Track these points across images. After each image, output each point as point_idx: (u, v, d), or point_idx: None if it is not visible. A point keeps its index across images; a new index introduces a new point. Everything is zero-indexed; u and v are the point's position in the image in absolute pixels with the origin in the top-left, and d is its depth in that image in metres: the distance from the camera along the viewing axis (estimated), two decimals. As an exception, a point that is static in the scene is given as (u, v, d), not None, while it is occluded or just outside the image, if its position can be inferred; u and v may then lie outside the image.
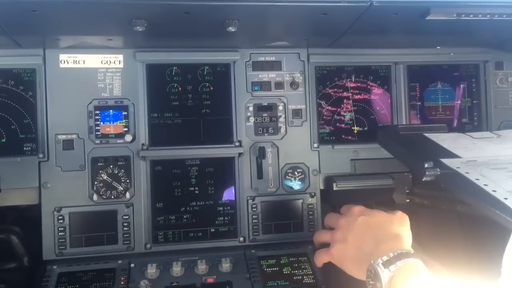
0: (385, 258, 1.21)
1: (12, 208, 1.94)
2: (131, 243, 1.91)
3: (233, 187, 2.01)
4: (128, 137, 1.95)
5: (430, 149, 1.64)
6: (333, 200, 2.07)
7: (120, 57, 1.96)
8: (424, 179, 1.49)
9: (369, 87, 2.17)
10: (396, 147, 1.74)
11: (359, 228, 1.38)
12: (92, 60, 1.94)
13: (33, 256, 1.88)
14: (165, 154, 1.97)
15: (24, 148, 1.90)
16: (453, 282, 1.12)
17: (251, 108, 2.05)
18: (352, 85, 2.16)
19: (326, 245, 1.53)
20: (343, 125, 2.15)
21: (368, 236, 1.34)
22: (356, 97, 2.16)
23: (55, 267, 1.82)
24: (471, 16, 1.60)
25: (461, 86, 2.24)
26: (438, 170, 1.46)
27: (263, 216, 2.02)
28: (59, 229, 1.86)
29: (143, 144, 1.96)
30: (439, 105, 2.22)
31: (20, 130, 1.90)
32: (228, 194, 2.01)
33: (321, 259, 1.50)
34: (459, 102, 2.25)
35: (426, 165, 1.47)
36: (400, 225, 1.36)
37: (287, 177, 2.06)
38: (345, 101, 2.15)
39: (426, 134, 1.79)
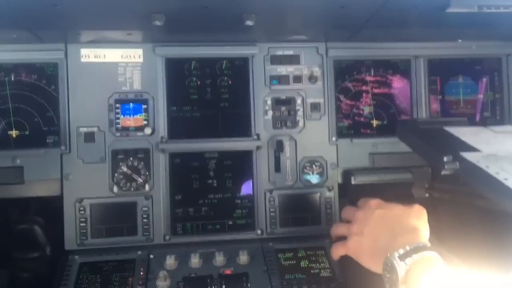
0: (401, 251, 1.20)
1: (35, 199, 1.99)
2: (150, 235, 1.94)
3: (251, 180, 2.02)
4: (148, 130, 1.97)
5: (450, 143, 1.62)
6: (351, 194, 2.06)
7: (140, 51, 1.98)
8: (443, 173, 1.48)
9: (388, 80, 2.15)
10: (415, 141, 1.72)
11: (376, 221, 1.37)
12: (112, 55, 1.97)
13: (56, 246, 1.92)
14: (184, 147, 1.99)
15: (47, 141, 1.94)
16: (470, 275, 1.11)
17: (269, 102, 2.05)
18: (371, 78, 2.14)
19: (343, 238, 1.53)
20: (362, 119, 2.13)
21: (385, 229, 1.33)
22: (375, 90, 2.14)
23: (76, 257, 1.87)
24: (493, 8, 1.57)
25: (483, 79, 2.21)
26: (458, 164, 1.44)
27: (280, 209, 2.03)
28: (81, 220, 1.90)
29: (162, 137, 1.99)
30: (460, 99, 2.19)
31: (43, 123, 1.94)
32: (246, 187, 2.02)
33: (337, 251, 1.50)
34: (481, 96, 2.21)
35: (445, 159, 1.46)
36: (418, 218, 1.34)
37: (305, 170, 2.06)
38: (364, 94, 2.14)
39: (446, 128, 1.77)
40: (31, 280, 1.90)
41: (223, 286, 1.38)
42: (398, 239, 1.26)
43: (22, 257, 1.91)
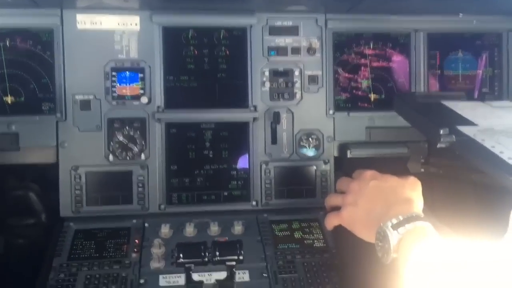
0: (394, 220, 1.21)
1: (31, 166, 1.98)
2: (146, 204, 1.95)
3: (247, 152, 2.02)
4: (144, 99, 1.96)
5: (447, 116, 1.62)
6: (347, 167, 2.06)
7: (137, 19, 1.95)
8: (439, 145, 1.48)
9: (387, 54, 2.13)
10: (412, 114, 1.72)
11: (370, 192, 1.38)
12: (109, 22, 1.94)
13: (51, 213, 1.93)
14: (180, 117, 1.98)
15: (43, 108, 1.93)
16: (461, 244, 1.12)
17: (267, 73, 2.04)
18: (370, 52, 2.12)
19: (337, 209, 1.54)
20: (359, 92, 2.12)
21: (379, 200, 1.34)
22: (374, 64, 2.13)
23: (71, 224, 1.88)
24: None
25: (483, 55, 2.19)
26: (454, 137, 1.44)
27: (276, 181, 2.03)
28: (76, 187, 1.90)
29: (158, 107, 1.97)
30: (459, 74, 2.17)
31: (38, 89, 1.93)
32: (242, 159, 2.02)
33: (331, 222, 1.51)
34: (480, 71, 2.20)
35: (441, 132, 1.45)
36: (412, 190, 1.35)
37: (301, 143, 2.05)
38: (362, 68, 2.12)
39: (444, 102, 1.76)
40: (26, 246, 1.92)
41: (217, 253, 1.39)
42: (391, 209, 1.27)
43: (18, 224, 1.92)
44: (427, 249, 1.12)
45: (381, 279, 1.36)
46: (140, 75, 1.97)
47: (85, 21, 1.92)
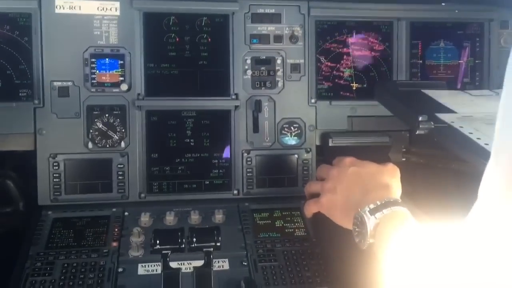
0: (372, 206, 1.21)
1: (9, 154, 1.95)
2: (126, 192, 1.93)
3: (228, 140, 2.01)
4: (124, 86, 1.93)
5: (427, 104, 1.62)
6: (328, 156, 2.05)
7: (117, 4, 1.93)
8: (417, 132, 1.48)
9: (370, 43, 2.13)
10: (392, 102, 1.72)
11: (349, 178, 1.37)
12: (88, 7, 1.91)
13: (29, 201, 1.90)
14: (161, 105, 1.96)
15: (20, 94, 1.89)
16: (438, 228, 1.12)
17: (248, 61, 2.02)
18: (353, 40, 2.12)
19: (317, 196, 1.54)
20: (341, 81, 2.12)
21: (358, 186, 1.33)
22: (356, 53, 2.12)
23: (50, 212, 1.85)
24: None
25: (465, 45, 2.20)
26: (432, 123, 1.45)
27: (257, 170, 2.02)
28: (54, 175, 1.88)
29: (138, 94, 1.95)
30: (441, 64, 2.18)
31: (15, 75, 1.89)
32: (224, 147, 2.01)
33: (310, 209, 1.50)
34: (462, 61, 2.20)
35: (420, 118, 1.46)
36: (390, 176, 1.35)
37: (283, 132, 2.05)
38: (345, 57, 2.12)
39: (424, 91, 1.76)
40: (3, 234, 1.88)
41: (194, 239, 1.38)
42: (369, 195, 1.27)
43: (-6, 212, 1.89)
44: (404, 234, 1.12)
45: (360, 266, 1.36)
46: (120, 61, 1.94)
47: (64, 6, 1.89)
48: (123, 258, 1.66)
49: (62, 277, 1.57)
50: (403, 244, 1.06)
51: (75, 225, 1.80)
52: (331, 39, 2.10)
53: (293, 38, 2.04)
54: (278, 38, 2.04)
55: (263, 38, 2.03)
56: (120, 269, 1.62)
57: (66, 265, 1.61)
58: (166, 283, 1.34)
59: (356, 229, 1.24)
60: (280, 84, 2.04)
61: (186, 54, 2.00)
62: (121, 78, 1.94)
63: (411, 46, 2.14)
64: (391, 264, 1.06)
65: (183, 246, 1.37)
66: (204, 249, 1.37)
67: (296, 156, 2.05)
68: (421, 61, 2.16)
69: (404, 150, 2.17)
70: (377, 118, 2.08)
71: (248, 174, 2.01)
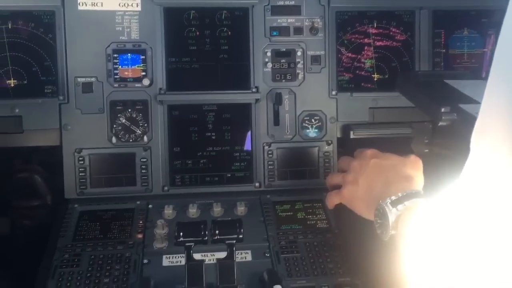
0: (393, 198, 1.21)
1: (36, 149, 2.00)
2: (149, 185, 1.96)
3: (249, 133, 2.02)
4: (146, 81, 1.96)
5: (449, 94, 1.60)
6: (350, 148, 2.05)
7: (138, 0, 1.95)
8: (440, 123, 1.47)
9: (391, 33, 2.10)
10: (414, 93, 1.70)
11: (371, 170, 1.38)
12: (110, 3, 1.94)
13: (56, 195, 1.95)
14: (182, 99, 1.98)
15: (45, 90, 1.93)
16: (460, 222, 1.12)
17: (269, 54, 2.03)
18: (374, 31, 2.10)
19: (338, 188, 1.54)
20: (363, 73, 2.10)
21: (379, 178, 1.34)
22: (378, 43, 2.10)
23: (76, 205, 1.89)
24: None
25: (490, 33, 2.15)
26: (455, 115, 1.43)
27: (279, 162, 2.03)
28: (80, 169, 1.92)
29: (160, 89, 1.97)
30: (465, 53, 2.14)
31: (41, 72, 1.93)
32: (245, 140, 2.02)
33: (332, 200, 1.52)
34: (486, 50, 2.16)
35: (442, 110, 1.45)
36: (412, 168, 1.34)
37: (304, 124, 2.05)
38: (366, 48, 2.10)
39: (447, 81, 1.74)
40: (32, 227, 1.94)
41: (217, 231, 1.40)
42: (391, 186, 1.27)
43: (23, 206, 1.94)
44: (425, 226, 1.12)
45: (382, 257, 1.36)
46: (142, 57, 1.96)
47: (86, 3, 1.92)
48: (148, 249, 1.70)
49: (90, 268, 1.61)
50: (423, 235, 1.06)
51: (101, 218, 1.84)
52: (352, 30, 2.09)
53: (313, 30, 2.04)
54: (298, 30, 2.04)
55: (283, 31, 2.03)
56: (145, 261, 1.65)
57: (93, 256, 1.66)
58: (190, 274, 1.36)
59: (378, 221, 1.25)
60: (300, 76, 2.04)
61: (206, 48, 2.01)
62: (143, 73, 1.97)
63: (433, 35, 2.11)
64: (411, 255, 1.06)
65: (206, 238, 1.39)
66: (227, 242, 1.39)
67: (317, 148, 2.05)
68: (444, 50, 2.13)
69: (427, 141, 2.15)
70: (399, 110, 2.06)
71: (269, 167, 2.02)
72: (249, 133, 2.02)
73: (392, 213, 1.19)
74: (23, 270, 1.65)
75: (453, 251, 0.92)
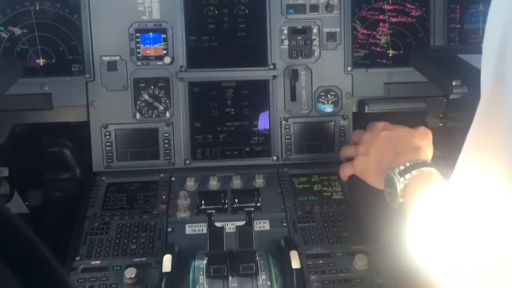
0: (402, 167, 1.28)
1: (65, 125, 2.11)
2: (172, 159, 2.05)
3: (267, 109, 2.09)
4: (167, 59, 2.04)
5: (461, 68, 1.64)
6: (365, 123, 2.10)
7: None
8: (451, 97, 1.52)
9: (406, 9, 2.13)
10: (427, 68, 1.75)
11: (381, 141, 1.44)
12: (132, -16, 2.01)
13: (84, 168, 2.06)
14: (202, 76, 2.06)
15: (72, 69, 2.03)
16: (467, 190, 1.17)
17: (285, 31, 2.08)
18: (389, 7, 2.13)
19: (351, 160, 1.61)
20: (378, 49, 2.14)
21: (389, 149, 1.40)
22: (393, 20, 2.13)
23: (104, 178, 2.00)
24: None
25: (505, 8, 2.16)
26: (466, 88, 1.48)
27: (295, 137, 2.10)
28: (106, 144, 2.02)
29: (181, 66, 2.05)
30: (480, 28, 2.16)
31: (68, 51, 2.02)
32: (262, 116, 2.09)
33: (345, 171, 1.59)
34: (502, 25, 2.17)
35: (454, 83, 1.49)
36: (421, 139, 1.40)
37: (320, 100, 2.10)
38: (381, 24, 2.13)
39: (460, 55, 1.78)
40: (62, 198, 2.06)
41: (236, 200, 1.48)
42: (400, 157, 1.33)
43: (54, 178, 2.06)
44: (432, 194, 1.18)
45: (392, 225, 1.43)
46: (163, 35, 2.04)
47: (110, -16, 1.99)
48: (172, 219, 1.80)
49: (118, 236, 1.72)
50: (428, 200, 1.12)
51: (127, 190, 1.94)
52: (367, 7, 2.12)
53: (328, 7, 2.08)
54: (314, 8, 2.08)
55: (299, 8, 2.08)
56: (169, 229, 1.75)
57: (120, 225, 1.76)
58: (212, 239, 1.45)
59: (387, 190, 1.32)
60: (316, 53, 2.09)
61: (224, 27, 2.07)
62: (164, 52, 2.04)
63: (448, 11, 2.13)
64: (415, 220, 1.13)
65: (226, 206, 1.48)
66: (245, 209, 1.47)
67: (333, 123, 2.11)
68: (459, 26, 2.15)
69: (442, 115, 2.19)
70: (414, 84, 2.10)
71: (286, 141, 2.09)
72: (266, 109, 2.09)
73: (400, 182, 1.26)
74: (56, 237, 1.76)
75: (456, 219, 0.98)
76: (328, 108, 2.10)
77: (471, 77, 1.52)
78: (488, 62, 0.82)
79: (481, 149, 0.84)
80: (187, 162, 2.06)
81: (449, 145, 2.14)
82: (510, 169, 0.78)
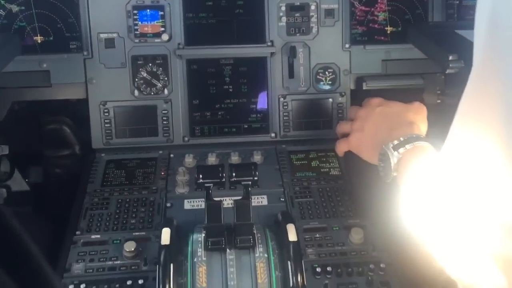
0: (395, 142, 1.29)
1: (64, 102, 2.12)
2: (170, 136, 2.07)
3: (265, 86, 2.09)
4: (165, 36, 2.03)
5: (459, 43, 1.64)
6: (363, 100, 2.10)
7: None
8: (447, 71, 1.52)
9: (405, -15, 2.12)
10: (425, 43, 1.75)
11: (376, 117, 1.45)
12: (128, -41, 2.00)
13: (84, 145, 2.08)
14: (200, 53, 2.06)
15: (70, 46, 2.03)
16: (460, 162, 1.19)
17: (283, 8, 2.07)
18: (388, -17, 2.12)
19: (347, 136, 1.63)
20: (376, 26, 2.14)
21: (383, 125, 1.41)
22: (391, -4, 2.12)
23: (103, 155, 2.02)
24: None
25: (504, -17, 2.15)
26: (462, 62, 1.48)
27: (293, 114, 2.11)
28: (105, 121, 2.03)
29: (179, 44, 2.05)
30: (478, 4, 2.15)
31: (65, 29, 2.02)
32: (261, 93, 2.10)
33: (341, 147, 1.61)
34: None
35: (450, 57, 1.49)
36: (416, 114, 1.42)
37: (318, 77, 2.11)
38: (379, 0, 2.12)
39: (458, 31, 1.77)
40: (62, 175, 2.09)
41: (233, 174, 1.50)
42: (394, 132, 1.35)
43: (54, 155, 2.08)
44: (425, 167, 1.20)
45: (386, 199, 1.45)
46: (161, 12, 2.03)
47: (105, -41, 1.98)
48: (171, 194, 1.82)
49: (117, 211, 1.74)
50: (420, 171, 1.14)
51: (126, 166, 1.96)
52: (366, -17, 2.11)
53: (326, -17, 2.07)
54: (312, -16, 2.07)
55: (297, -16, 2.07)
56: (168, 204, 1.78)
57: (120, 200, 1.79)
58: (210, 213, 1.47)
59: (381, 164, 1.33)
60: (314, 30, 2.09)
61: (222, 3, 2.06)
62: (162, 29, 2.04)
63: (447, -14, 2.12)
64: (407, 190, 1.15)
65: (224, 180, 1.50)
66: (243, 183, 1.49)
67: (330, 100, 2.12)
68: (457, 2, 2.13)
69: (439, 92, 2.19)
70: (411, 61, 2.10)
71: (284, 118, 2.10)
72: (264, 86, 2.09)
73: (394, 156, 1.27)
74: (57, 213, 1.79)
75: (448, 186, 0.99)
76: (326, 85, 2.11)
77: (468, 52, 1.52)
78: (480, 26, 0.83)
79: (474, 113, 0.86)
80: (186, 139, 2.08)
81: (446, 122, 2.16)
82: (503, 132, 0.79)
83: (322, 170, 1.97)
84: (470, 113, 0.87)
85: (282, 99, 2.10)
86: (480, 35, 0.83)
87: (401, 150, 1.27)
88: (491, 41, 0.80)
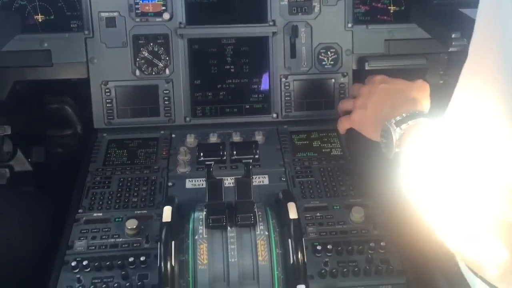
0: (398, 118, 1.29)
1: (66, 82, 2.11)
2: (172, 116, 2.06)
3: (267, 66, 2.08)
4: (166, 16, 2.02)
5: (462, 21, 1.63)
6: (365, 80, 2.10)
7: None
8: (450, 49, 1.51)
9: (409, -37, 2.09)
10: (428, 21, 1.74)
11: (379, 94, 1.45)
12: None
13: (86, 125, 2.08)
14: (202, 32, 2.04)
15: (71, 25, 2.02)
16: (462, 138, 1.18)
17: (285, -14, 2.05)
18: (391, -39, 2.09)
19: (349, 113, 1.62)
20: (379, 5, 2.11)
21: (387, 102, 1.41)
22: (395, -26, 2.10)
23: (105, 134, 2.02)
24: None
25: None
26: (465, 40, 1.47)
27: (295, 94, 2.10)
28: (107, 101, 2.03)
29: (180, 23, 2.04)
30: (483, -17, 2.12)
31: (66, 7, 2.01)
32: (262, 73, 2.09)
33: (343, 125, 1.60)
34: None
35: (453, 35, 1.48)
36: (419, 91, 1.41)
37: (320, 56, 2.09)
38: (383, -21, 2.10)
39: (461, 9, 1.76)
40: (64, 154, 2.10)
41: (234, 152, 1.50)
42: (397, 109, 1.34)
43: (56, 134, 2.09)
44: (425, 136, 1.18)
45: (389, 178, 1.45)
46: (162, -9, 2.02)
47: None
48: (172, 174, 1.83)
49: (119, 189, 1.75)
50: (421, 142, 1.14)
51: (128, 146, 1.96)
52: (369, -39, 2.08)
53: (329, -39, 2.05)
54: (315, -38, 2.05)
55: (299, -37, 2.04)
56: (169, 183, 1.78)
57: (122, 179, 1.79)
58: (211, 190, 1.48)
59: (384, 141, 1.33)
60: (316, 9, 2.07)
61: (224, -18, 2.05)
62: (163, 8, 2.02)
63: (452, -35, 2.09)
64: (410, 168, 1.14)
65: (225, 158, 1.50)
66: (244, 161, 1.49)
67: (333, 80, 2.11)
68: (462, -20, 2.11)
69: (442, 72, 2.18)
70: (415, 41, 2.08)
71: (286, 98, 2.10)
72: (266, 66, 2.08)
73: (396, 132, 1.27)
74: (59, 192, 1.80)
75: (449, 156, 0.98)
76: (328, 65, 2.10)
77: (471, 30, 1.51)
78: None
79: (477, 75, 0.85)
80: (187, 119, 2.07)
81: (448, 102, 2.15)
82: (506, 94, 0.79)
83: (323, 150, 1.96)
84: (473, 75, 0.87)
85: (284, 79, 2.09)
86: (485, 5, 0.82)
87: (404, 126, 1.26)
88: (496, 6, 0.79)
